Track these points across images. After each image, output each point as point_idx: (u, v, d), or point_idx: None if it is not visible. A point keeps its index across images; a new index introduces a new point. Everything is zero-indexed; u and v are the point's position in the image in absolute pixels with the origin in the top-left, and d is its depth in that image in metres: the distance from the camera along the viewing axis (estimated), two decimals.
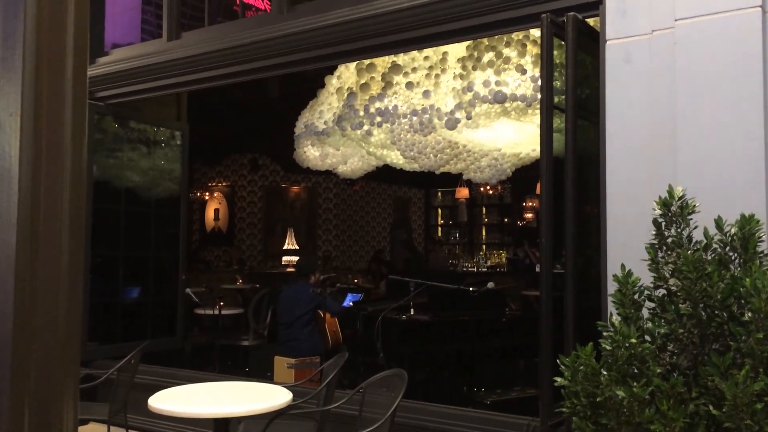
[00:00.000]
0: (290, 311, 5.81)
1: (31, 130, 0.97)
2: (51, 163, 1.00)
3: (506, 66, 5.02)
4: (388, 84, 5.63)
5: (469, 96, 5.10)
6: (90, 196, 5.52)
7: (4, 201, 0.95)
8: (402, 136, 6.02)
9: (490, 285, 5.70)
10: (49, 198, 1.00)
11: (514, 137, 6.07)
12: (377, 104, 5.65)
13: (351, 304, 6.99)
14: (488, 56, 5.12)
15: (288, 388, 3.59)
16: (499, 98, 4.94)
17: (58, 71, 1.00)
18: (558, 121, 3.36)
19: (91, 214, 5.57)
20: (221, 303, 7.45)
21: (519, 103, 4.99)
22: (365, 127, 5.85)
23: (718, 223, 2.35)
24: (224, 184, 13.48)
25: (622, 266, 2.43)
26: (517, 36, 5.06)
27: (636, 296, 2.39)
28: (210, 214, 13.61)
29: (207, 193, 13.55)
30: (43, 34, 0.98)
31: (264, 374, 5.88)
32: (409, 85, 5.52)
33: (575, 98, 3.35)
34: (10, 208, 0.95)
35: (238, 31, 5.06)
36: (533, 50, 5.02)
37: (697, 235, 2.41)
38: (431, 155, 6.49)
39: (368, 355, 5.83)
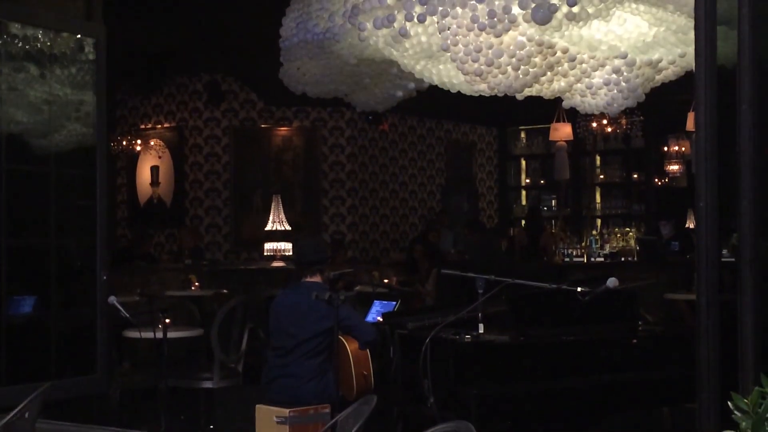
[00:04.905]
0: (289, 331, 5.80)
1: None
2: None
3: None
4: None
5: None
6: None
7: None
8: (459, 37, 5.97)
9: (612, 283, 5.67)
10: None
11: (647, 36, 5.99)
12: None
13: (379, 318, 6.99)
14: None
15: None
16: None
17: None
18: (724, 7, 3.31)
19: None
20: (167, 320, 7.53)
21: None
22: (396, 24, 5.81)
23: None
24: (167, 125, 13.55)
25: None
26: None
27: None
28: (145, 174, 13.71)
29: (139, 141, 13.63)
30: None
31: None
32: None
33: None
34: None
35: None
36: None
37: None
38: (509, 69, 6.43)
39: (409, 400, 5.85)
